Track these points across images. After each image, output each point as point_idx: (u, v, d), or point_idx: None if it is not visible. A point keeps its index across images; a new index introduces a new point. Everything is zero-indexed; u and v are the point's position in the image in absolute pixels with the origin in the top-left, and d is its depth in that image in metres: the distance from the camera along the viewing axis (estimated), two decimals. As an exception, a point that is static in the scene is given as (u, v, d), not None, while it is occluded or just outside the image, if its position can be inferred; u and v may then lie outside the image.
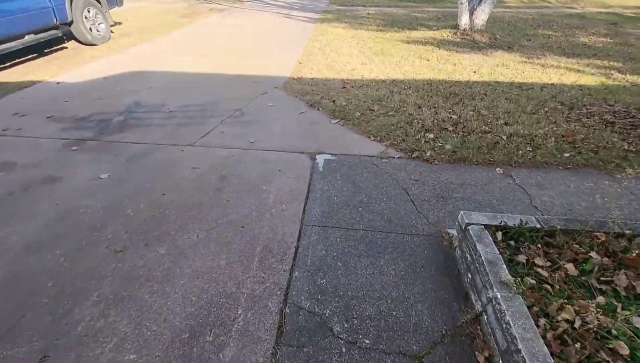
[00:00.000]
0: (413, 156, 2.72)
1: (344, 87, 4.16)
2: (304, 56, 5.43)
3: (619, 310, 1.31)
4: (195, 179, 2.44)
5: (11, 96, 3.86)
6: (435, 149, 2.77)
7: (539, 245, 1.65)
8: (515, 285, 1.37)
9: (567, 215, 2.13)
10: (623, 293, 1.41)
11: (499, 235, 1.69)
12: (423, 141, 2.87)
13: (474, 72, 4.61)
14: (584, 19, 8.52)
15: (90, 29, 6.04)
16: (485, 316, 1.46)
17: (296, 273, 1.74)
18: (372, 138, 3.00)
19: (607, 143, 2.85)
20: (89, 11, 5.97)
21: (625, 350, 1.16)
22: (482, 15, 6.16)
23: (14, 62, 5.15)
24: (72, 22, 5.67)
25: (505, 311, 1.28)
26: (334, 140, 2.98)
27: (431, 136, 2.94)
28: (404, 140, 2.92)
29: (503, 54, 5.40)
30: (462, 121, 3.21)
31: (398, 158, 2.72)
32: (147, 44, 6.18)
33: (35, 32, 5.09)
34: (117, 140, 2.94)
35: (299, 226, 2.04)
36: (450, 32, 6.46)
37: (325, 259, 1.82)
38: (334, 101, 3.69)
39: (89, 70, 4.75)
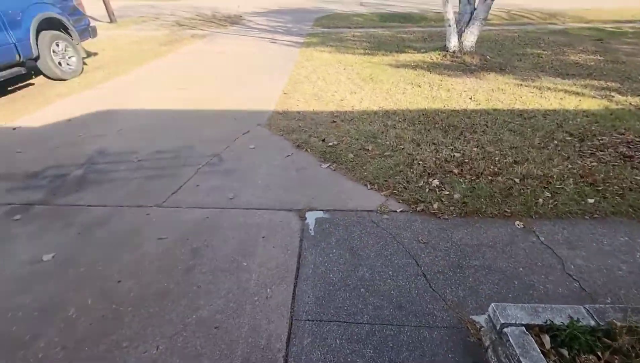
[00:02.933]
0: (418, 209, 2.35)
1: (334, 121, 3.83)
2: (289, 84, 5.12)
3: None
4: (161, 256, 2.01)
5: (-44, 147, 3.40)
6: (443, 199, 2.41)
7: (600, 353, 1.27)
8: None
9: (612, 287, 1.77)
10: None
11: (546, 340, 1.31)
12: (427, 189, 2.52)
13: (470, 98, 4.35)
14: (569, 35, 8.54)
15: (60, 63, 5.64)
16: None
17: (285, 402, 1.32)
18: (369, 186, 2.64)
19: (631, 183, 2.54)
20: (57, 45, 5.59)
21: None
22: (471, 37, 6.01)
23: (-30, 103, 4.69)
24: (38, 57, 5.27)
25: None
26: (325, 190, 2.60)
27: (435, 182, 2.59)
28: (405, 188, 2.56)
29: (496, 77, 5.20)
30: (466, 160, 2.88)
31: (401, 211, 2.35)
32: (122, 76, 5.80)
33: (-5, 71, 4.67)
34: (71, 203, 2.50)
35: (288, 321, 1.62)
36: (439, 54, 6.28)
37: (322, 375, 1.41)
38: (323, 140, 3.34)
39: (52, 111, 4.32)
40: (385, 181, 2.66)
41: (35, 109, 4.43)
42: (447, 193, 2.48)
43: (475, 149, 3.06)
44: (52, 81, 5.67)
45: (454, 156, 2.96)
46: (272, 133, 3.58)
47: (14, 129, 3.80)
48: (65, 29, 5.81)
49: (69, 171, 2.92)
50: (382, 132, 3.46)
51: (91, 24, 6.58)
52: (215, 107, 4.31)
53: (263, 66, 6.18)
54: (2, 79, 4.72)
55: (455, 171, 2.73)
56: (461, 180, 2.61)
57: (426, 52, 6.62)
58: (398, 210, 2.36)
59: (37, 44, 5.20)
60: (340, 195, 2.54)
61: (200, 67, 6.24)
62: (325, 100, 4.49)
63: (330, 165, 2.94)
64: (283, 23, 11.33)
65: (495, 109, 3.99)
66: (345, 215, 2.33)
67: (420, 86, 4.87)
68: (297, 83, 5.19)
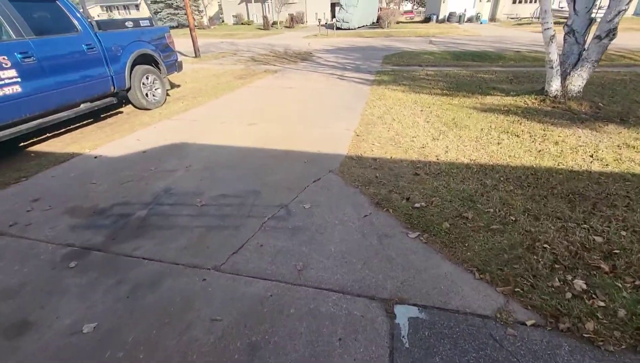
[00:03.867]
0: (561, 327, 1.64)
1: (417, 174, 3.28)
2: (361, 125, 4.74)
3: None
4: (210, 348, 1.59)
5: (43, 173, 3.54)
6: (599, 315, 1.67)
7: None
8: None
9: None
10: None
11: None
12: (569, 294, 1.79)
13: (591, 156, 3.49)
14: (700, 79, 7.03)
15: (147, 94, 6.04)
16: None
17: None
18: (476, 274, 2.00)
19: None
20: (147, 78, 6.01)
21: None
22: (578, 80, 5.12)
23: (68, 128, 5.12)
24: (129, 88, 5.69)
25: None
26: (418, 273, 2.02)
27: (579, 283, 1.86)
28: (532, 286, 1.87)
29: (619, 130, 4.23)
30: (616, 250, 2.09)
31: (532, 325, 1.66)
32: (198, 108, 6.00)
33: (92, 100, 5.07)
34: (128, 252, 2.26)
35: None
36: (535, 98, 5.46)
37: None
38: (407, 199, 2.80)
39: (132, 141, 4.46)
40: (500, 270, 2.00)
41: (119, 136, 4.64)
42: (603, 304, 1.73)
43: (624, 233, 2.25)
44: (138, 110, 6.07)
45: (594, 240, 2.19)
46: (346, 183, 3.14)
47: (95, 157, 3.92)
48: (156, 64, 6.28)
49: (134, 211, 2.77)
50: (482, 195, 2.81)
51: (178, 59, 7.09)
52: (284, 146, 4.06)
53: (332, 103, 5.95)
54: (96, 108, 5.10)
55: (605, 267, 1.96)
56: (619, 284, 1.84)
57: (517, 95, 5.83)
58: (528, 323, 1.68)
59: (130, 77, 5.62)
60: (439, 283, 1.94)
61: (270, 102, 6.23)
62: (404, 146, 3.98)
63: (419, 235, 2.36)
64: (352, 60, 11.36)
65: (633, 174, 3.09)
66: (450, 319, 1.71)
67: (518, 136, 4.12)
68: (369, 124, 4.80)
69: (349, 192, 2.98)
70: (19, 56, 3.97)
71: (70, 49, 4.66)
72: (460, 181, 3.09)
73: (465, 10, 30.00)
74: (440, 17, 30.74)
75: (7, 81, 3.84)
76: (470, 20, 30.16)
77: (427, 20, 32.60)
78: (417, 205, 2.69)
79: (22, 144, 4.52)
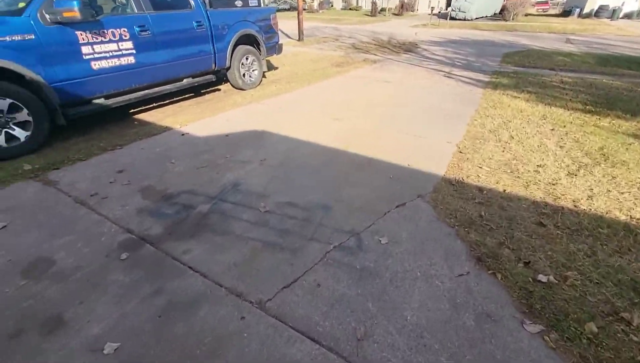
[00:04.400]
0: None
1: (542, 223, 2.39)
2: (467, 139, 3.86)
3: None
4: None
5: (135, 144, 3.71)
6: None
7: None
8: None
9: None
10: None
11: None
12: None
13: None
14: None
15: (244, 74, 6.09)
16: None
17: None
18: None
19: None
20: (247, 58, 6.04)
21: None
22: None
23: (171, 100, 5.45)
24: (229, 67, 5.78)
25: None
26: (536, 402, 1.32)
27: None
28: None
29: None
30: None
31: None
32: (289, 94, 5.81)
33: (193, 76, 5.26)
34: (178, 255, 2.06)
35: None
36: None
37: None
38: (527, 264, 2.00)
39: (220, 121, 4.45)
40: None
41: (210, 114, 4.70)
42: None
43: None
44: (234, 89, 6.19)
45: None
46: (438, 218, 2.46)
47: (183, 135, 3.99)
48: (257, 45, 6.27)
49: (197, 203, 2.60)
50: (656, 285, 1.84)
51: (279, 42, 7.00)
52: (368, 152, 3.51)
53: (434, 106, 5.09)
54: (196, 84, 5.29)
55: None
56: None
57: None
58: None
59: (231, 57, 5.70)
60: None
61: (362, 95, 5.67)
62: (524, 177, 3.04)
63: (543, 332, 1.60)
64: (463, 56, 9.92)
65: None
66: None
67: None
68: (478, 139, 3.88)
69: (441, 232, 2.30)
70: (137, 29, 4.21)
71: (182, 26, 4.84)
72: (615, 250, 2.12)
73: (622, 4, 23.93)
74: (586, 10, 25.19)
75: (124, 52, 4.12)
76: (628, 16, 24.02)
77: (566, 13, 27.18)
78: (541, 278, 1.88)
79: (131, 110, 4.93)
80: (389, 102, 5.28)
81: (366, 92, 5.92)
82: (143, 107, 5.05)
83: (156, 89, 4.68)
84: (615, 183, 2.95)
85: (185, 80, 5.13)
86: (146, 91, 4.55)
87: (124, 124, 4.36)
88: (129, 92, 4.37)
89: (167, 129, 4.16)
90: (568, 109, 4.97)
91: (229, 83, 6.28)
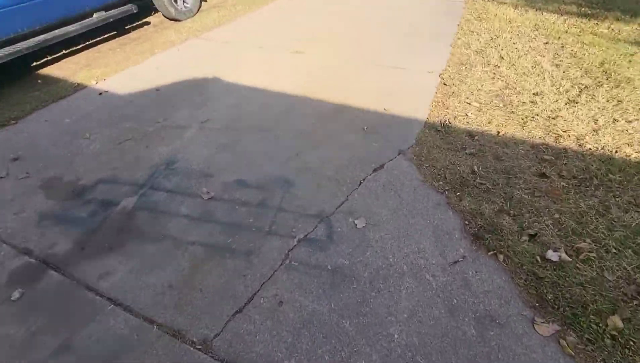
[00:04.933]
0: None
1: (544, 174, 2.00)
2: (451, 65, 3.24)
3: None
4: None
5: (37, 114, 2.86)
6: None
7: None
8: None
9: None
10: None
11: None
12: None
13: None
14: None
15: (176, 1, 4.83)
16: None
17: None
18: None
19: None
20: (174, -21, 4.72)
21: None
22: None
23: (87, 43, 4.31)
24: (152, -8, 4.52)
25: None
26: None
27: None
28: None
29: None
30: None
31: None
32: (235, 22, 4.72)
33: (106, 9, 4.07)
34: (93, 281, 1.56)
35: None
36: None
37: None
38: (532, 236, 1.64)
39: (149, 69, 3.53)
40: None
41: (135, 62, 3.73)
42: None
43: None
44: (167, 20, 4.98)
45: None
46: (424, 181, 2.01)
47: (100, 94, 3.12)
48: (186, -43, 4.86)
49: (120, 196, 2.01)
50: (680, 247, 1.55)
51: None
52: (337, 96, 2.86)
53: (409, 23, 4.25)
54: (111, 19, 4.11)
55: None
56: None
57: None
58: None
59: (151, -23, 4.40)
60: None
61: (328, 18, 4.67)
62: (520, 112, 2.56)
63: (557, 333, 1.30)
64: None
65: None
66: None
67: None
68: (463, 64, 3.26)
69: (429, 202, 1.87)
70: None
71: None
72: (630, 202, 1.79)
73: None
74: None
75: (-13, -17, 2.96)
76: None
77: None
78: (551, 256, 1.54)
79: (34, 64, 3.86)
80: (359, 25, 4.37)
81: (331, 13, 4.88)
82: (49, 58, 3.96)
83: (56, 32, 3.57)
84: (621, 108, 2.53)
85: (95, 15, 3.97)
86: (42, 37, 3.46)
87: (22, 86, 3.38)
88: (16, 40, 3.29)
89: (79, 87, 3.26)
90: (562, 14, 4.28)
91: (160, 14, 5.02)
